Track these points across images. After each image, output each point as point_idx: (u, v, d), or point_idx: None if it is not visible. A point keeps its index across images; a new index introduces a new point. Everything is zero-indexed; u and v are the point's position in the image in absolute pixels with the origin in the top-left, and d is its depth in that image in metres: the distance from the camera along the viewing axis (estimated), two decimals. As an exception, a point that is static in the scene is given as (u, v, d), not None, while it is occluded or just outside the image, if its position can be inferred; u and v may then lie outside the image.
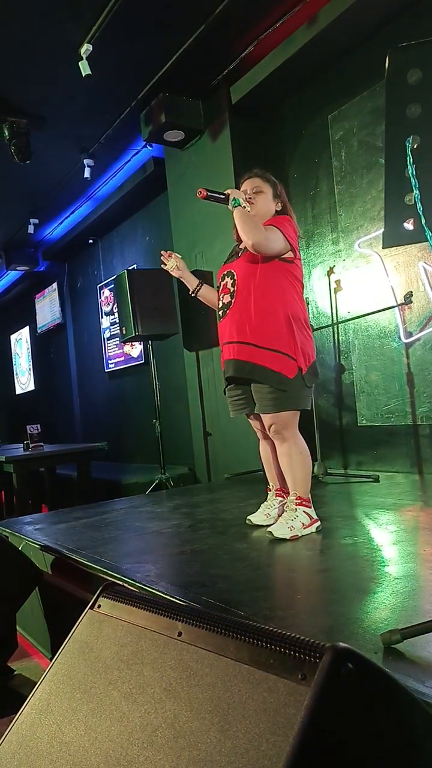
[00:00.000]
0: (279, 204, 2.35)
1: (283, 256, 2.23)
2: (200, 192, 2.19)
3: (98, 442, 5.24)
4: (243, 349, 2.21)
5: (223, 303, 2.31)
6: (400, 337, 3.50)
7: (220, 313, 2.34)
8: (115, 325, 6.30)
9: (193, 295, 2.55)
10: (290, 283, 2.25)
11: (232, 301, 2.26)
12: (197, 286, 2.52)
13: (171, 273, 2.51)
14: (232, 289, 2.27)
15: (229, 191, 2.24)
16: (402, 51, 1.24)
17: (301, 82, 4.00)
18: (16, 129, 4.27)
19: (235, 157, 4.14)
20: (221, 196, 2.24)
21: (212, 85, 4.20)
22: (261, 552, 2.08)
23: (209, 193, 2.22)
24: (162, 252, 2.52)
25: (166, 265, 2.51)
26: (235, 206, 2.20)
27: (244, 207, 2.21)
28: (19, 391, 9.61)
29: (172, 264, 2.49)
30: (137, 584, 1.76)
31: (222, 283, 2.35)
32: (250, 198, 2.30)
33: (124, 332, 4.38)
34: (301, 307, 2.27)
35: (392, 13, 3.32)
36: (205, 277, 2.58)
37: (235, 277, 2.27)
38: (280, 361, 2.17)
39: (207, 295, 2.54)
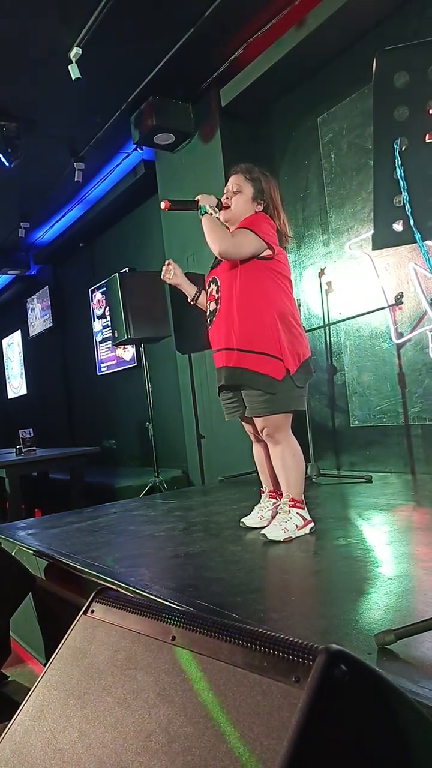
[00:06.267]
0: (260, 205, 2.28)
1: (261, 254, 2.19)
2: (164, 204, 2.19)
3: (93, 446, 5.22)
4: (231, 356, 2.21)
5: (210, 311, 2.31)
6: (391, 338, 3.52)
7: (208, 320, 2.33)
8: (107, 329, 6.29)
9: (192, 302, 2.53)
10: (273, 280, 2.20)
11: (218, 308, 2.26)
12: (196, 293, 2.50)
13: (169, 281, 2.49)
14: (216, 296, 2.28)
15: (199, 197, 2.23)
16: (389, 54, 1.25)
17: (291, 85, 4.01)
18: (5, 132, 4.26)
19: (225, 159, 4.15)
20: (189, 203, 2.23)
21: (202, 88, 4.21)
22: (255, 554, 2.08)
23: (174, 204, 2.21)
24: (165, 265, 2.50)
25: (166, 273, 2.48)
26: (202, 214, 2.20)
27: (212, 214, 2.20)
28: (11, 395, 9.56)
29: (171, 273, 2.47)
30: (131, 588, 1.75)
31: (209, 290, 2.35)
32: (227, 198, 2.27)
33: (116, 335, 4.38)
34: (288, 303, 2.23)
35: (380, 16, 3.34)
36: (198, 282, 2.59)
37: (219, 284, 2.28)
38: (266, 363, 2.15)
39: (205, 302, 2.52)
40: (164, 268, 2.49)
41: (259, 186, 2.28)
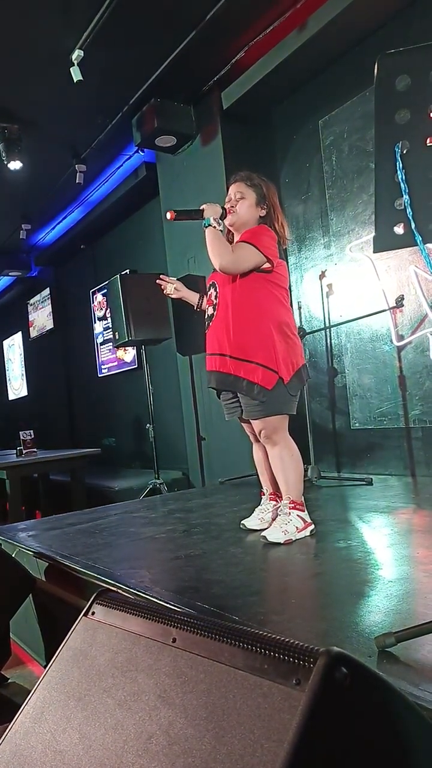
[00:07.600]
0: (263, 209, 2.31)
1: (261, 267, 2.21)
2: (169, 214, 2.21)
3: (94, 448, 5.21)
4: (224, 362, 2.24)
5: (208, 315, 2.35)
6: (392, 341, 3.52)
7: (206, 324, 2.36)
8: (108, 330, 6.28)
9: (198, 309, 2.55)
10: (270, 292, 2.23)
11: (215, 313, 2.29)
12: (199, 300, 2.53)
13: (171, 296, 2.54)
14: (215, 302, 2.31)
15: (204, 206, 2.24)
16: (391, 57, 1.26)
17: (292, 88, 4.02)
18: (7, 134, 4.27)
19: (226, 162, 4.15)
20: (194, 212, 2.24)
21: (203, 91, 4.22)
22: (255, 556, 2.08)
23: (179, 214, 2.23)
24: (158, 282, 2.53)
25: (165, 289, 2.52)
26: (206, 226, 2.22)
27: (215, 227, 2.22)
28: (11, 396, 9.56)
29: (171, 288, 2.51)
30: (131, 590, 1.75)
31: (208, 294, 2.38)
32: (232, 207, 2.29)
33: (117, 337, 4.38)
34: (284, 313, 2.25)
35: (382, 19, 3.35)
36: (198, 284, 2.60)
37: (217, 289, 2.30)
38: (259, 373, 2.17)
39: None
40: (162, 285, 2.52)
41: (261, 192, 2.31)
